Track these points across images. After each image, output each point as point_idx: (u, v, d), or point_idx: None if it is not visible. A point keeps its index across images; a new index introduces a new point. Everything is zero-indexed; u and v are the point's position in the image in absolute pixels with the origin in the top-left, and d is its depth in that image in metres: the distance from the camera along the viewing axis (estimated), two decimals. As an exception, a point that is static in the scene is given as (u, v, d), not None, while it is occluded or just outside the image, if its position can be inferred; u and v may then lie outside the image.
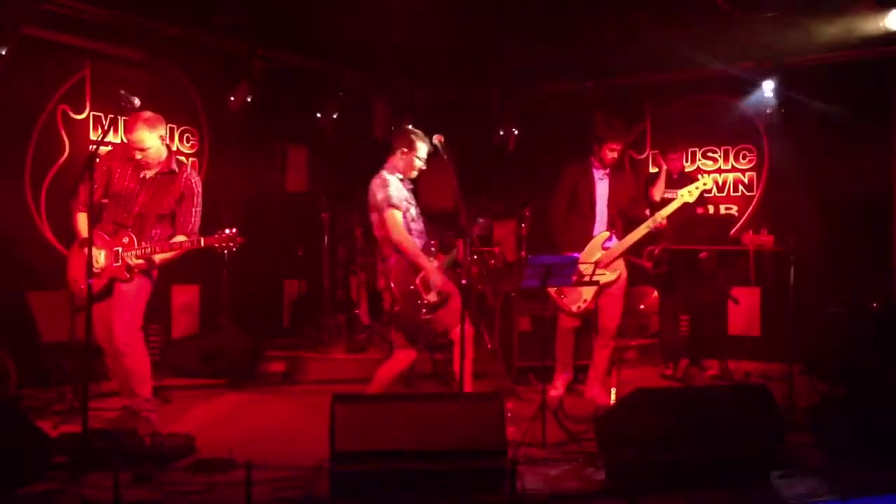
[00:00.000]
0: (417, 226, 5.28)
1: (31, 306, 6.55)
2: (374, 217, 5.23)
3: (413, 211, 5.28)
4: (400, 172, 5.28)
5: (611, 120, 6.26)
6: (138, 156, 5.04)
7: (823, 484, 4.25)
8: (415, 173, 5.34)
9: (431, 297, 5.10)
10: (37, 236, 6.97)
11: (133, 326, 5.06)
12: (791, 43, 7.71)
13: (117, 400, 5.39)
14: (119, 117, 7.38)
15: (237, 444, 4.66)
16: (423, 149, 5.28)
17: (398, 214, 5.11)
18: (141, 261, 5.00)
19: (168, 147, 5.27)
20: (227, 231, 4.85)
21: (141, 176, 5.12)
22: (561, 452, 4.78)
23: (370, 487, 3.91)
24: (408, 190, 5.31)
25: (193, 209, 5.15)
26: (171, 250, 4.99)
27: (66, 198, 5.38)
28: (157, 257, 5.04)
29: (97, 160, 4.83)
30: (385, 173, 5.24)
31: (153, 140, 5.04)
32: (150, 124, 5.02)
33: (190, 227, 5.11)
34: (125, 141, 5.19)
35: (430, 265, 5.13)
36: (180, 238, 5.05)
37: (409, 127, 5.42)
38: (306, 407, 6.15)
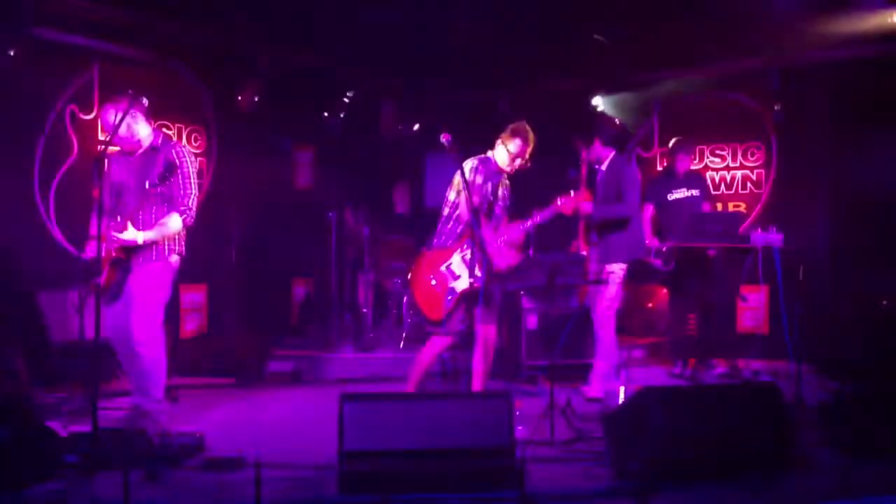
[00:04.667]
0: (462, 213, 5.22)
1: (40, 306, 6.58)
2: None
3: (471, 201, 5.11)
4: (495, 160, 5.33)
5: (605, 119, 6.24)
6: (113, 139, 4.89)
7: (834, 482, 4.24)
8: (508, 167, 5.31)
9: (458, 286, 5.20)
10: (46, 236, 6.99)
11: (149, 323, 5.00)
12: (800, 40, 7.68)
13: (127, 399, 5.41)
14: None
15: (246, 443, 4.68)
16: (515, 144, 5.26)
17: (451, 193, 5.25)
18: (124, 235, 4.79)
19: (152, 127, 5.14)
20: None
21: (129, 162, 5.09)
22: (570, 451, 4.77)
23: (379, 486, 3.91)
24: (495, 182, 5.30)
25: (182, 181, 4.99)
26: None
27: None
28: (139, 235, 4.85)
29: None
30: (479, 157, 5.31)
31: (112, 117, 4.90)
32: (114, 102, 4.97)
33: (185, 203, 5.00)
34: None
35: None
36: (164, 220, 4.95)
37: (522, 122, 5.38)
38: (314, 406, 6.15)
